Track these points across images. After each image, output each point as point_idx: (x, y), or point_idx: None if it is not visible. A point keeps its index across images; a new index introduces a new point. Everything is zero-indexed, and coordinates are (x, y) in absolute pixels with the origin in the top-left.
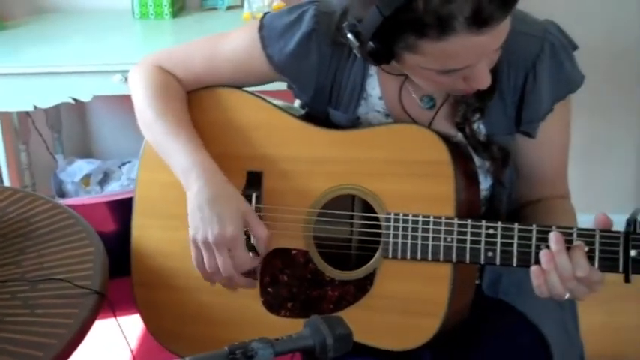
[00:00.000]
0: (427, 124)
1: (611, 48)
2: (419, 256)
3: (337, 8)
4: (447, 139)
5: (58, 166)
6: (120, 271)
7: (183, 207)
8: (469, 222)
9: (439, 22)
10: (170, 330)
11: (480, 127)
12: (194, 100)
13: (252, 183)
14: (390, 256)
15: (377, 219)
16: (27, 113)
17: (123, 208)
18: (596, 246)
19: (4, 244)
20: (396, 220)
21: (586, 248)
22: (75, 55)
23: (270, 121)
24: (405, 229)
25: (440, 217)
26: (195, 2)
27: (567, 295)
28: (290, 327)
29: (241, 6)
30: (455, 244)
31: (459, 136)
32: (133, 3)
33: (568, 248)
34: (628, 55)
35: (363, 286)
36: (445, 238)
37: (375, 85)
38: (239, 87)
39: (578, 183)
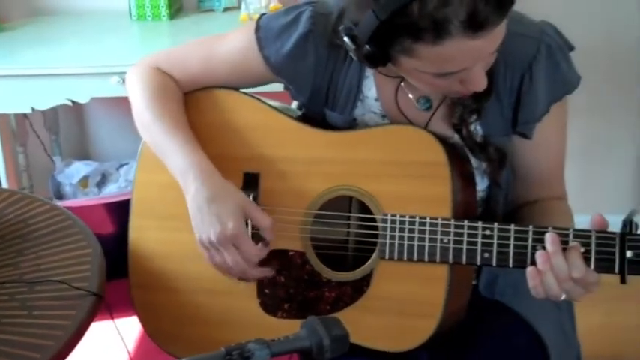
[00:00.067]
0: (424, 125)
1: (610, 48)
2: (415, 257)
3: (334, 10)
4: (443, 141)
5: (56, 167)
6: (117, 272)
7: (180, 207)
8: (466, 223)
9: (435, 25)
10: (168, 331)
11: (476, 129)
12: (191, 101)
13: (249, 184)
14: (387, 257)
15: (374, 220)
16: (24, 115)
17: (120, 210)
18: (592, 247)
19: (1, 246)
20: (393, 221)
21: (582, 249)
22: (72, 56)
23: (267, 122)
24: (401, 230)
25: (436, 219)
26: (193, 4)
27: (563, 296)
28: (287, 328)
29: (238, 7)
30: (451, 245)
31: (456, 138)
32: (130, 4)
33: (564, 249)
34: (628, 55)
35: (360, 287)
36: (442, 239)
37: (372, 87)
38: (236, 88)
39: (578, 183)
